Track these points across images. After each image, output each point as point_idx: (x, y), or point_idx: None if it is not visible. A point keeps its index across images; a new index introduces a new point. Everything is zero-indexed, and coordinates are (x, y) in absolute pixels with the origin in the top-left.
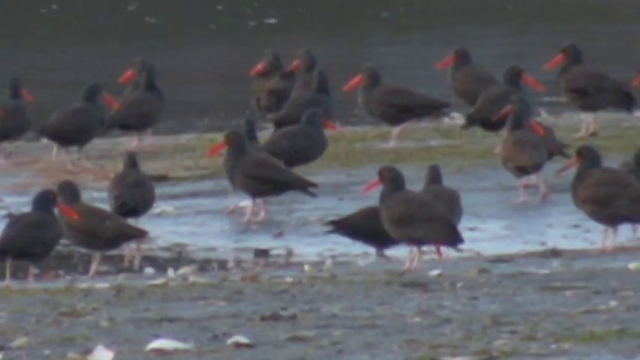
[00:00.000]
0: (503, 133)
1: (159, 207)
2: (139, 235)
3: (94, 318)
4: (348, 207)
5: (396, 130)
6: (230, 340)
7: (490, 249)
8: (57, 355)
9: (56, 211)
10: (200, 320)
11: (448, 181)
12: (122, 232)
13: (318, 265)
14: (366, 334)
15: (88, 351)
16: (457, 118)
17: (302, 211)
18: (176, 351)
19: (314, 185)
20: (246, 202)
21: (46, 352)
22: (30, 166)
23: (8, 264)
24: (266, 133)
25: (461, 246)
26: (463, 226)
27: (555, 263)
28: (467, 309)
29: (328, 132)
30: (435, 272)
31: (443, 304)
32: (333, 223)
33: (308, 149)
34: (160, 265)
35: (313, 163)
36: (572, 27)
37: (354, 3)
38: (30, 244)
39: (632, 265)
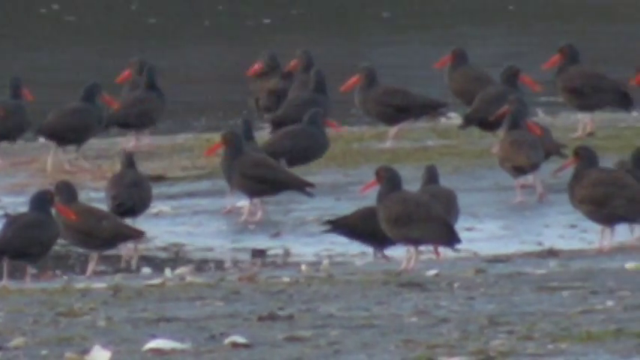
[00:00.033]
0: (501, 133)
1: (156, 207)
2: (137, 235)
3: (92, 318)
4: (345, 207)
5: (393, 130)
6: (227, 340)
7: (487, 249)
8: (54, 355)
9: (53, 211)
10: (197, 320)
11: (445, 181)
12: (119, 232)
13: (315, 265)
14: (363, 334)
15: (86, 351)
16: (454, 118)
17: (299, 211)
18: (173, 351)
19: (311, 185)
20: (243, 202)
21: (44, 352)
22: (27, 166)
23: (5, 264)
24: (263, 133)
25: (458, 246)
26: (460, 226)
27: (552, 263)
28: (464, 309)
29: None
30: (432, 272)
31: (440, 304)
32: (330, 222)
33: (310, 149)
34: (158, 265)
35: (311, 163)
36: (572, 27)
37: (353, 3)
38: (27, 244)
39: (629, 265)
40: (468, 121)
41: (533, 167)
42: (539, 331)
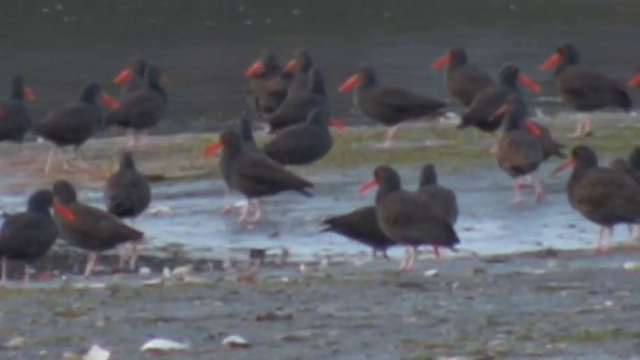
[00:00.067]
0: (500, 133)
1: (155, 207)
2: (135, 236)
3: (90, 318)
4: (343, 207)
5: (391, 130)
6: (226, 340)
7: (486, 249)
8: (53, 355)
9: (52, 211)
10: (196, 320)
11: (444, 181)
12: (118, 233)
13: (313, 265)
14: (362, 334)
15: (84, 351)
16: (453, 118)
17: (298, 211)
18: (172, 351)
19: (310, 185)
20: (241, 202)
21: (42, 352)
22: (26, 166)
23: (4, 264)
24: (262, 133)
25: (457, 246)
26: (459, 226)
27: (551, 263)
28: (463, 309)
29: None
30: (430, 272)
31: (439, 304)
32: (329, 221)
33: (313, 148)
34: (156, 265)
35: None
36: (572, 27)
37: (353, 3)
38: (26, 244)
39: (627, 265)
40: (467, 121)
41: (532, 167)
42: (537, 331)
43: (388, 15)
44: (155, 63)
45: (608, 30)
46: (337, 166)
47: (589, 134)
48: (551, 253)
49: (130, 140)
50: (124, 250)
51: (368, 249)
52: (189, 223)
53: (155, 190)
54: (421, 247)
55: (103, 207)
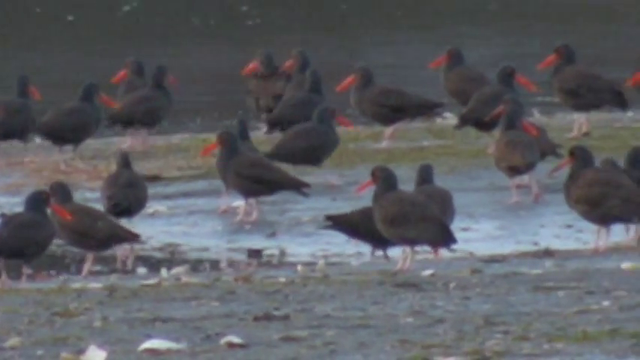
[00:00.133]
0: (496, 133)
1: (152, 207)
2: (132, 237)
3: (87, 318)
4: (341, 207)
5: (388, 130)
6: (223, 340)
7: (483, 249)
8: (50, 355)
9: (49, 211)
10: (193, 320)
11: (441, 181)
12: (115, 234)
13: (311, 265)
14: (358, 334)
15: (81, 351)
16: (450, 119)
17: (295, 211)
18: (169, 351)
19: (307, 185)
20: (239, 202)
21: (39, 352)
22: (23, 166)
23: (1, 264)
24: (259, 133)
25: (454, 246)
26: (456, 226)
27: (548, 263)
28: (459, 309)
29: None
30: (427, 272)
31: (435, 304)
32: (330, 218)
33: (323, 147)
34: (153, 265)
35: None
36: (572, 27)
37: (353, 3)
38: (23, 245)
39: (624, 265)
40: (464, 121)
41: (529, 167)
42: (534, 331)
43: (388, 15)
44: (157, 63)
45: (608, 30)
46: (334, 167)
47: (586, 134)
48: (548, 253)
49: (126, 140)
50: (121, 250)
51: (365, 249)
52: (187, 223)
53: (152, 190)
54: (418, 248)
55: (100, 207)
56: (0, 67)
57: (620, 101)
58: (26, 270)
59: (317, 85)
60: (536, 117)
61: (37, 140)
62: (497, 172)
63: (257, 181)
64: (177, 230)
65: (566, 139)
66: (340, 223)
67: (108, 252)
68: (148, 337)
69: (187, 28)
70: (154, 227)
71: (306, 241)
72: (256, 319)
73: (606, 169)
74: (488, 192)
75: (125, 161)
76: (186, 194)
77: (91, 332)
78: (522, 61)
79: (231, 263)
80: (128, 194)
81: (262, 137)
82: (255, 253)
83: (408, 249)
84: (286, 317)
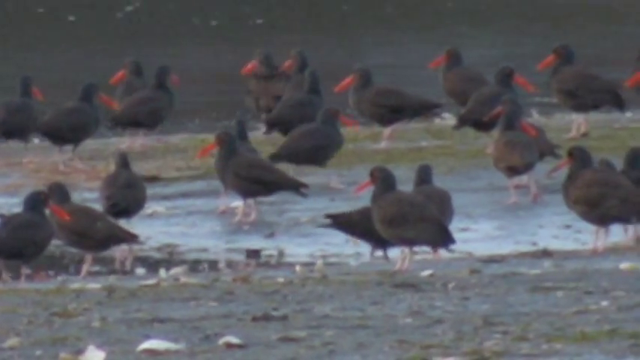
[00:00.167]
0: (495, 133)
1: (150, 207)
2: (130, 238)
3: (86, 318)
4: (339, 208)
5: (387, 130)
6: (221, 341)
7: (481, 249)
8: (49, 356)
9: (48, 211)
10: (191, 321)
11: (439, 182)
12: (113, 234)
13: (309, 265)
14: (357, 335)
15: (80, 351)
16: (448, 119)
17: (293, 212)
18: (167, 351)
19: (305, 186)
20: (237, 203)
21: (38, 352)
22: (21, 167)
23: (1, 264)
24: (258, 133)
25: (452, 246)
26: (455, 226)
27: (547, 264)
28: (458, 309)
29: None
30: (426, 273)
31: (434, 305)
32: (330, 216)
33: (328, 147)
34: (152, 265)
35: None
36: (572, 27)
37: (353, 3)
38: (21, 245)
39: (623, 266)
40: (463, 121)
41: (527, 167)
42: (533, 332)
43: (388, 15)
44: (157, 64)
45: (608, 30)
46: (333, 167)
47: (584, 135)
48: (546, 253)
49: (125, 141)
50: (119, 251)
51: (364, 249)
52: (185, 223)
53: (151, 190)
54: (417, 248)
55: (99, 207)
56: (0, 67)
57: (618, 102)
58: (25, 270)
59: (315, 85)
60: (535, 117)
61: (36, 141)
62: (496, 173)
63: (255, 181)
64: (175, 231)
65: (565, 140)
66: (340, 222)
67: (106, 252)
68: (147, 337)
69: (187, 29)
70: (152, 228)
71: (305, 241)
72: (255, 319)
73: (603, 170)
74: (486, 192)
75: (124, 162)
76: (184, 195)
77: (89, 332)
78: (522, 62)
79: (230, 264)
80: (127, 195)
81: (261, 137)
82: (253, 254)
83: (406, 249)
84: (285, 317)
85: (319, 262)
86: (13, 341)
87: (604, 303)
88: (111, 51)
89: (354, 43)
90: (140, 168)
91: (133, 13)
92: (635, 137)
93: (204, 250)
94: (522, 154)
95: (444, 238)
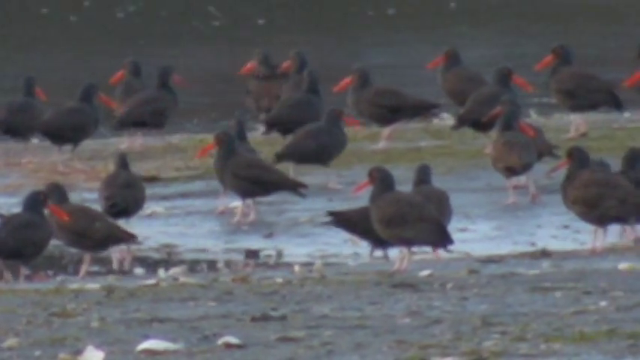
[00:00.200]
0: (494, 133)
1: (149, 208)
2: (129, 238)
3: (85, 318)
4: (338, 208)
5: (386, 130)
6: (220, 341)
7: (480, 249)
8: (48, 356)
9: (47, 211)
10: (190, 321)
11: (438, 182)
12: (112, 235)
13: (308, 265)
14: (356, 335)
15: (79, 351)
16: (447, 119)
17: (292, 212)
18: (166, 351)
19: (304, 186)
20: (236, 203)
21: (37, 352)
22: (21, 167)
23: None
24: (256, 133)
25: (451, 247)
26: (453, 226)
27: (545, 264)
28: (457, 309)
29: None
30: (424, 273)
31: (433, 305)
32: (332, 214)
33: (333, 147)
34: (151, 265)
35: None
36: (572, 27)
37: (353, 3)
38: (21, 245)
39: (621, 266)
40: (461, 121)
41: (526, 168)
42: (532, 332)
43: (388, 15)
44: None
45: (608, 30)
46: (331, 167)
47: (583, 135)
48: (545, 253)
49: (124, 141)
50: (118, 251)
51: (362, 249)
52: (184, 223)
53: (150, 190)
54: (416, 248)
55: (98, 207)
56: (0, 68)
57: (617, 102)
58: (24, 270)
59: (314, 85)
60: (534, 118)
61: (35, 141)
62: (495, 173)
63: (254, 181)
64: (174, 231)
65: (564, 140)
66: (341, 221)
67: (105, 253)
68: (146, 337)
69: (188, 29)
70: (151, 228)
71: (304, 241)
72: (253, 319)
73: (601, 170)
74: (485, 192)
75: (123, 162)
76: (183, 195)
77: (88, 333)
78: (522, 62)
79: (229, 264)
80: (126, 195)
81: (260, 138)
82: (252, 254)
83: (405, 249)
84: (283, 318)
85: (318, 262)
86: (12, 341)
87: (602, 303)
88: (111, 51)
89: (354, 43)
90: (139, 168)
91: (133, 14)
92: (634, 137)
93: (203, 250)
94: (520, 154)
95: (442, 239)
